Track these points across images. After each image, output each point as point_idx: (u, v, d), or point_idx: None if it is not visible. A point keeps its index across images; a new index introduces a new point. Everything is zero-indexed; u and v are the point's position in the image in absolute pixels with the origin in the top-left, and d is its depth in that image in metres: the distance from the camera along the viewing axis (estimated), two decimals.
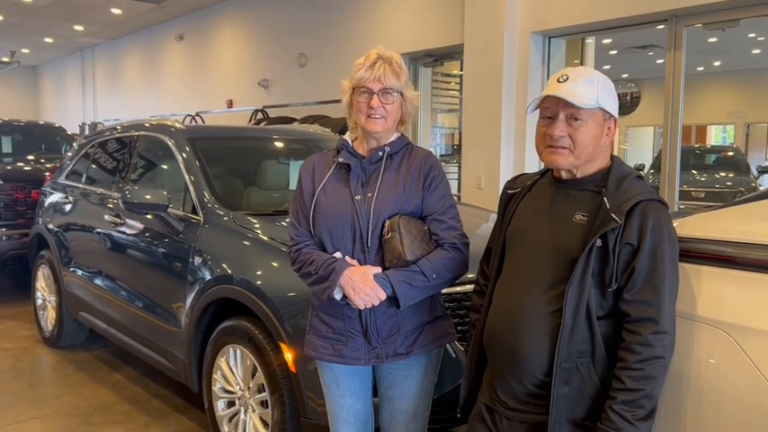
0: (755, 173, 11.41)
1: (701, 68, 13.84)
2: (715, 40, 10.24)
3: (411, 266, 1.92)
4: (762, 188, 10.94)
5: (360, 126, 2.02)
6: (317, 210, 2.03)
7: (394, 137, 2.06)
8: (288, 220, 3.22)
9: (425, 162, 2.03)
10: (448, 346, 2.39)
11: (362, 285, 1.89)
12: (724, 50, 11.95)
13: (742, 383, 1.48)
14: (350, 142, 2.08)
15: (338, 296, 1.95)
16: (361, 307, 1.92)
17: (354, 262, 1.96)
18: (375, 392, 2.20)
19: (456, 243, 1.98)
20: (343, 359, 2.02)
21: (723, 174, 11.18)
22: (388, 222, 1.95)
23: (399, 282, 1.91)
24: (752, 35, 10.42)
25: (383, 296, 1.90)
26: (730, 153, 12.04)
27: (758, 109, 14.53)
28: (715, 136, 16.83)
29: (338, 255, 1.98)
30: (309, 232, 2.05)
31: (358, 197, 1.99)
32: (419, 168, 2.02)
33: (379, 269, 1.94)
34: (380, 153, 2.02)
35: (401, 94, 2.00)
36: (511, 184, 1.93)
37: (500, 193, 1.95)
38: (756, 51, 12.08)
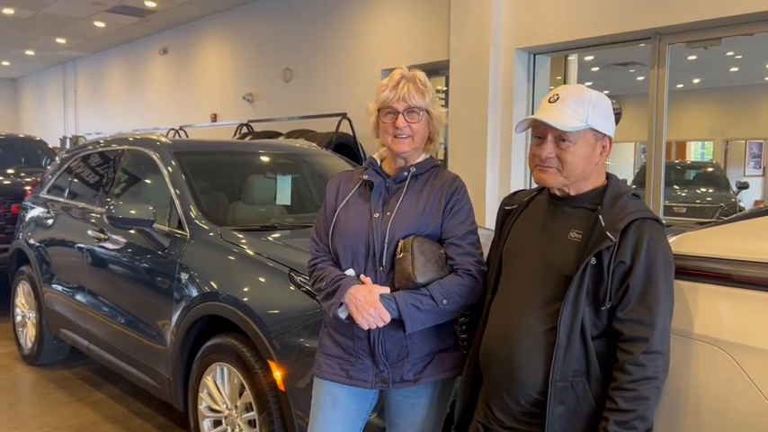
0: (734, 188, 11.59)
1: (681, 86, 14.08)
2: (694, 57, 10.42)
3: (421, 289, 1.87)
4: (741, 203, 11.11)
5: (387, 146, 2.00)
6: (336, 225, 2.02)
7: (422, 158, 2.04)
8: (274, 235, 3.24)
9: (450, 185, 2.00)
10: None
11: (366, 305, 1.85)
12: (703, 68, 12.17)
13: (741, 402, 1.47)
14: (378, 161, 2.07)
15: (342, 315, 1.90)
16: (365, 327, 1.87)
17: (368, 280, 1.92)
18: (379, 413, 2.15)
19: (471, 270, 1.92)
20: (350, 380, 1.97)
21: (703, 189, 11.34)
22: (401, 242, 1.91)
23: (406, 304, 1.85)
24: (730, 53, 10.63)
25: (387, 318, 1.86)
26: (710, 169, 12.22)
27: (736, 125, 14.80)
28: (694, 152, 17.09)
29: (350, 272, 1.95)
30: (328, 247, 2.04)
31: (376, 215, 1.96)
32: (442, 191, 1.98)
33: (387, 289, 1.90)
34: (405, 173, 2.00)
35: (427, 112, 1.98)
36: (508, 200, 1.93)
37: (496, 208, 1.94)
38: (734, 69, 12.32)
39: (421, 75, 2.00)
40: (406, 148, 1.96)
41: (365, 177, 2.03)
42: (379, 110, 1.99)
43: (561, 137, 1.66)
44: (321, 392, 2.05)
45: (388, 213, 1.96)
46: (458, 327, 2.14)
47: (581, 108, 1.65)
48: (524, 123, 1.72)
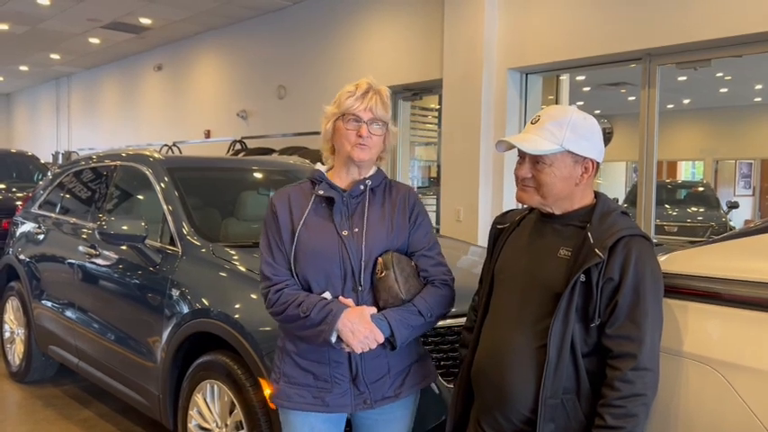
0: (725, 208, 11.68)
1: (671, 106, 14.22)
2: (685, 78, 10.54)
3: (407, 305, 1.87)
4: (731, 222, 11.19)
5: (344, 154, 1.93)
6: (299, 248, 1.90)
7: (372, 170, 2.00)
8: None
9: (409, 198, 2.00)
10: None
11: (361, 328, 1.80)
12: (693, 89, 12.30)
13: (731, 421, 1.48)
14: (325, 174, 2.00)
15: (333, 339, 1.84)
16: (359, 351, 1.81)
17: (350, 302, 1.86)
18: None
19: (446, 280, 1.96)
20: (328, 407, 1.89)
21: (694, 208, 11.42)
22: (380, 260, 1.87)
23: (398, 322, 1.84)
24: (720, 74, 10.76)
25: (381, 338, 1.82)
26: (701, 188, 12.33)
27: (726, 146, 14.94)
28: (685, 171, 17.22)
29: (327, 295, 1.87)
30: (289, 271, 1.91)
31: (345, 233, 1.90)
32: (403, 204, 1.98)
33: (374, 309, 1.87)
34: (362, 187, 1.94)
35: (386, 127, 1.97)
36: (500, 219, 1.94)
37: (489, 227, 1.95)
38: (724, 90, 12.46)
39: (386, 90, 1.98)
40: (365, 157, 1.91)
41: (321, 193, 1.94)
42: (342, 114, 1.93)
43: (536, 159, 1.68)
44: (296, 423, 1.96)
45: (357, 230, 1.90)
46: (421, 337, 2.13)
47: (557, 131, 1.66)
48: (503, 144, 1.73)
